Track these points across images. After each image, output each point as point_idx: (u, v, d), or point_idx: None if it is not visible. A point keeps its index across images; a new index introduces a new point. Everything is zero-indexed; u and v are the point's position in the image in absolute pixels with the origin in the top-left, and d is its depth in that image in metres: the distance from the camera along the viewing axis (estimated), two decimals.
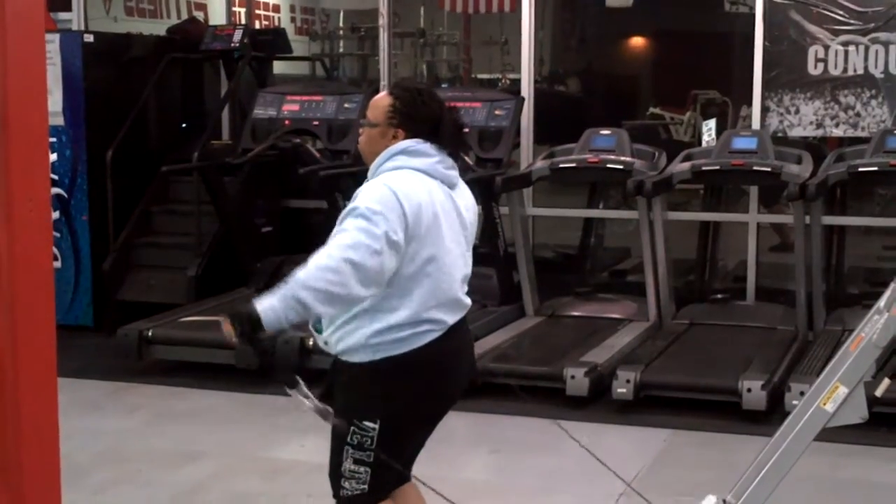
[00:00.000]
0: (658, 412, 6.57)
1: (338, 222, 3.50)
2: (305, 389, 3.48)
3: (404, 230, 3.44)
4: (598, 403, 6.73)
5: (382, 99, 3.71)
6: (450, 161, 3.67)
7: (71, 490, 5.42)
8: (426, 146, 3.61)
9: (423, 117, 3.64)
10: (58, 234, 8.74)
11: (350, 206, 3.48)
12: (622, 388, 6.59)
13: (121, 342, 7.54)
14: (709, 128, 8.90)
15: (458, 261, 3.64)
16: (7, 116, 1.93)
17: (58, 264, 8.74)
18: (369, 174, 3.67)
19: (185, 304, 8.25)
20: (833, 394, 3.45)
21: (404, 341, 3.53)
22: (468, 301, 3.73)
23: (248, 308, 3.35)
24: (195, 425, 6.58)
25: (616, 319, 7.94)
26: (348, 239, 3.37)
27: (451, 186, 3.67)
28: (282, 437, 6.30)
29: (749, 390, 6.35)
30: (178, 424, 6.60)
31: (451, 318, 3.63)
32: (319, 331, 3.67)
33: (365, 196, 3.47)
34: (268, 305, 3.33)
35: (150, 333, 7.50)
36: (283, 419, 6.58)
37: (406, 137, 3.63)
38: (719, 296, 8.22)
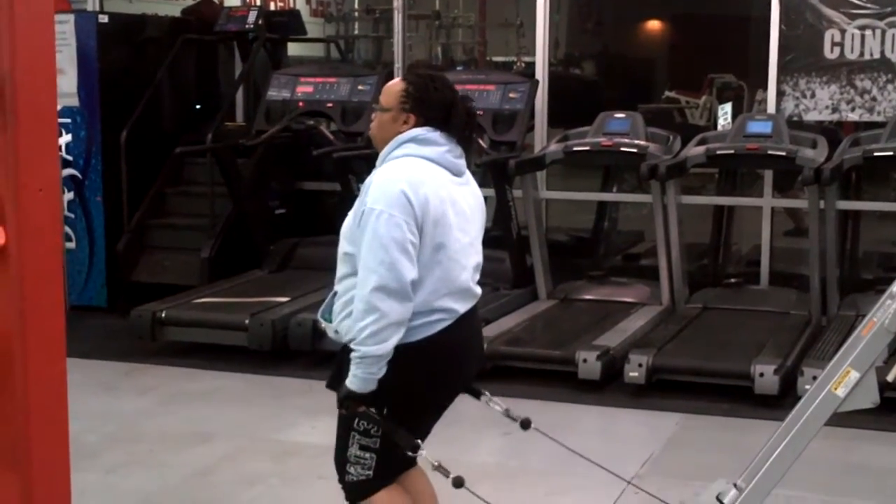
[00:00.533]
0: (670, 396, 6.56)
1: (355, 216, 3.52)
2: (424, 451, 3.54)
3: (415, 218, 3.46)
4: (610, 387, 6.73)
5: (395, 84, 3.71)
6: (459, 150, 3.67)
7: (83, 470, 5.47)
8: (436, 135, 3.61)
9: (435, 103, 3.63)
10: (72, 215, 8.76)
11: (362, 205, 3.49)
12: (634, 372, 6.58)
13: (134, 323, 7.57)
14: (724, 112, 8.86)
15: (467, 249, 3.64)
16: (16, 103, 1.93)
17: (72, 245, 8.77)
18: (378, 161, 3.67)
19: (198, 285, 8.27)
20: (844, 378, 3.44)
21: (415, 330, 3.53)
22: (478, 290, 3.73)
23: (345, 393, 3.49)
24: (207, 406, 6.60)
25: (629, 303, 7.93)
26: (365, 268, 3.44)
27: (459, 175, 3.67)
28: (293, 419, 6.31)
29: (761, 375, 6.33)
30: (190, 405, 6.62)
31: (462, 307, 3.63)
32: (329, 320, 3.68)
33: (373, 197, 3.48)
34: (353, 379, 3.47)
35: (163, 315, 7.52)
36: (294, 401, 6.61)
37: (417, 123, 3.62)
38: (733, 280, 8.20)
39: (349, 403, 3.50)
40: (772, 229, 8.27)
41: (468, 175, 3.75)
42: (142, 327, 7.51)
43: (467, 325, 3.69)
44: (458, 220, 3.59)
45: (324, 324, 3.73)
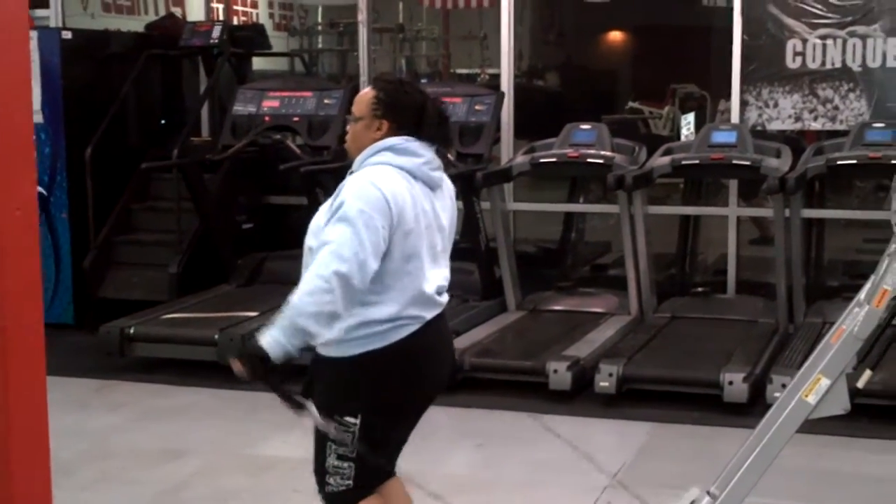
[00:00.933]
0: (641, 405, 6.60)
1: (327, 213, 3.51)
2: (315, 411, 3.51)
3: (390, 221, 3.45)
4: (581, 397, 6.75)
5: (366, 93, 3.73)
6: (436, 162, 3.68)
7: (56, 488, 5.40)
8: (414, 144, 3.61)
9: (405, 106, 3.65)
10: None
11: (337, 201, 3.49)
12: (605, 382, 6.61)
13: (103, 340, 7.53)
14: (687, 122, 8.93)
15: (436, 260, 3.65)
16: None
17: None
18: (353, 167, 3.66)
19: (166, 301, 8.24)
20: (815, 386, 3.48)
21: (383, 335, 3.54)
22: (445, 299, 3.74)
23: (254, 346, 3.39)
24: (179, 422, 6.58)
25: (598, 313, 7.96)
26: (335, 252, 3.39)
27: (433, 188, 3.67)
28: (265, 433, 6.29)
29: (731, 383, 6.38)
30: (161, 422, 6.59)
31: (428, 314, 3.64)
32: None
33: (351, 194, 3.48)
34: (271, 339, 3.37)
35: (132, 331, 7.50)
36: (266, 415, 6.56)
37: (390, 129, 3.63)
38: (700, 289, 8.26)
39: (255, 361, 3.39)
40: (738, 238, 8.34)
41: (445, 185, 3.75)
42: (111, 343, 7.48)
43: (435, 329, 3.69)
44: (428, 232, 3.61)
45: None
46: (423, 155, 3.61)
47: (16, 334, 2.03)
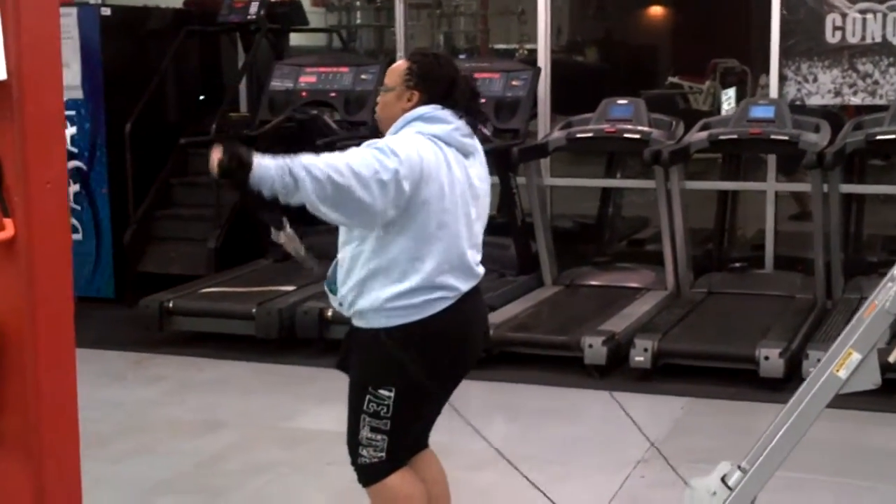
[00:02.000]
0: (676, 380, 6.59)
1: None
2: (291, 231, 3.50)
3: (416, 185, 3.44)
4: (616, 372, 6.76)
5: (400, 64, 3.75)
6: (467, 129, 3.67)
7: (91, 459, 5.47)
8: (444, 112, 3.61)
9: (438, 78, 3.66)
10: (78, 207, 8.81)
11: (371, 140, 3.50)
12: (640, 357, 6.61)
13: (142, 313, 7.62)
14: (728, 96, 8.88)
15: (470, 228, 3.65)
16: (24, 97, 1.95)
17: (78, 237, 8.82)
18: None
19: (205, 275, 8.31)
20: (846, 360, 3.46)
21: (418, 308, 3.56)
22: (481, 270, 3.74)
23: (245, 153, 3.30)
24: (216, 395, 6.64)
25: (634, 288, 7.95)
26: (360, 156, 3.39)
27: (467, 155, 3.67)
28: (301, 407, 6.35)
29: (766, 358, 6.36)
30: (198, 394, 6.66)
31: (464, 286, 3.64)
32: (334, 291, 3.71)
33: (392, 141, 3.49)
34: (263, 163, 3.29)
35: (170, 304, 7.57)
36: (302, 389, 6.65)
37: (421, 99, 3.64)
38: (737, 265, 8.21)
39: (235, 163, 3.26)
40: (776, 213, 8.28)
41: (478, 154, 3.75)
42: (150, 317, 7.56)
43: (470, 303, 3.70)
44: (462, 199, 3.60)
45: (329, 294, 3.76)
46: (452, 122, 3.61)
47: (47, 306, 2.06)
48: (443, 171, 3.53)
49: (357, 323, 3.67)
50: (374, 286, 3.57)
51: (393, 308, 3.56)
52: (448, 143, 3.60)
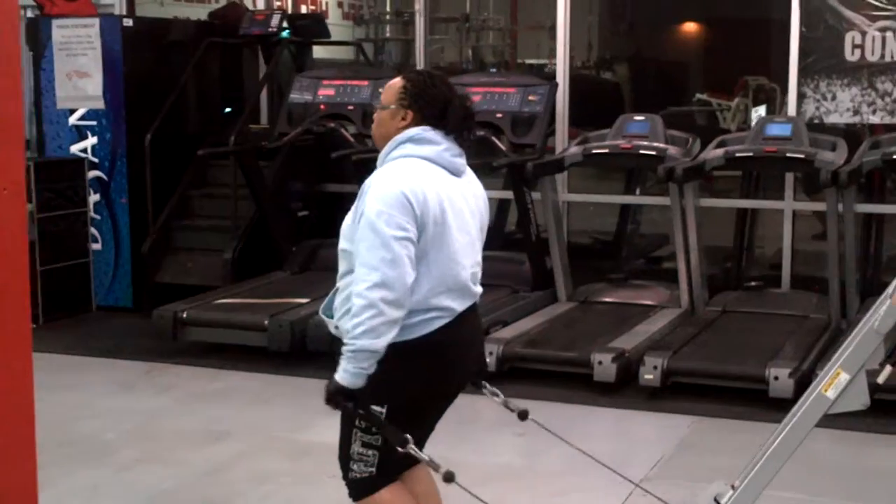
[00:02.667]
0: (685, 399, 6.56)
1: (353, 215, 3.57)
2: (413, 446, 3.57)
3: (415, 219, 3.49)
4: (625, 389, 6.73)
5: (395, 82, 3.76)
6: (457, 149, 3.70)
7: (98, 467, 5.55)
8: (433, 133, 3.64)
9: (431, 98, 3.68)
10: (98, 217, 8.89)
11: (360, 206, 3.53)
12: (649, 375, 6.58)
13: (156, 323, 7.65)
14: (759, 114, 8.84)
15: (466, 249, 3.66)
16: None
17: (98, 246, 8.91)
18: (379, 162, 3.71)
19: (221, 286, 8.34)
20: (834, 380, 3.44)
21: (413, 327, 3.57)
22: (478, 290, 3.76)
23: (333, 386, 3.52)
24: (225, 405, 6.66)
25: (648, 306, 7.92)
26: (364, 265, 3.46)
27: (458, 174, 3.69)
28: (309, 419, 6.35)
29: (776, 378, 6.32)
30: (208, 404, 6.69)
31: (460, 306, 3.66)
32: (330, 316, 3.73)
33: (373, 199, 3.52)
34: (343, 373, 3.49)
35: (184, 315, 7.60)
36: (311, 401, 6.54)
37: (415, 119, 3.66)
38: (753, 283, 8.17)
39: (339, 398, 3.52)
40: (793, 232, 8.23)
41: (469, 174, 3.78)
42: (163, 327, 7.59)
43: (466, 323, 3.71)
44: (456, 220, 3.62)
45: (325, 320, 3.78)
46: (441, 143, 3.64)
47: (3, 321, 2.06)
48: (436, 195, 3.55)
49: (346, 339, 3.68)
50: None
51: None
52: (438, 164, 3.62)
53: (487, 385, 3.91)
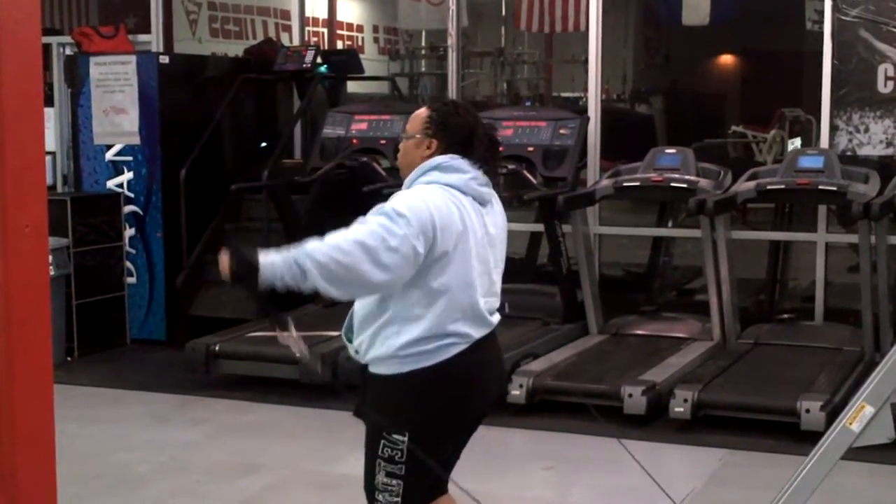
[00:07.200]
0: (716, 432, 6.53)
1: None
2: (294, 331, 3.56)
3: (429, 242, 3.48)
4: (656, 422, 6.71)
5: (421, 112, 3.79)
6: (483, 178, 3.71)
7: (131, 500, 5.59)
8: (460, 162, 3.66)
9: (456, 127, 3.70)
10: (133, 251, 8.98)
11: (378, 206, 3.54)
12: (679, 408, 6.56)
13: (189, 356, 7.71)
14: (795, 146, 8.82)
15: (483, 277, 3.67)
16: (4, 141, 2.01)
17: (133, 280, 8.99)
18: (404, 187, 3.72)
19: (253, 319, 8.39)
20: (859, 414, 3.43)
21: (431, 354, 3.58)
22: (496, 319, 3.76)
23: (250, 254, 3.41)
24: (256, 438, 6.70)
25: (680, 338, 7.90)
26: (366, 228, 3.43)
27: (484, 203, 3.71)
28: (339, 452, 6.36)
29: (808, 411, 6.29)
30: (239, 437, 6.72)
31: (477, 333, 3.66)
32: (350, 340, 3.75)
33: (396, 200, 3.54)
34: (269, 260, 3.39)
35: (217, 348, 7.65)
36: (342, 434, 6.63)
37: (440, 148, 3.69)
38: (786, 316, 8.12)
39: (241, 262, 3.40)
40: (826, 264, 8.19)
41: (494, 202, 3.78)
42: (196, 360, 7.65)
43: (485, 349, 3.71)
44: (477, 248, 3.63)
45: (346, 342, 3.80)
46: (469, 171, 3.65)
47: (24, 352, 2.08)
48: (456, 222, 3.56)
49: (372, 369, 3.70)
50: (388, 334, 3.61)
51: (406, 355, 3.59)
52: (464, 193, 3.64)
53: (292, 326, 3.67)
